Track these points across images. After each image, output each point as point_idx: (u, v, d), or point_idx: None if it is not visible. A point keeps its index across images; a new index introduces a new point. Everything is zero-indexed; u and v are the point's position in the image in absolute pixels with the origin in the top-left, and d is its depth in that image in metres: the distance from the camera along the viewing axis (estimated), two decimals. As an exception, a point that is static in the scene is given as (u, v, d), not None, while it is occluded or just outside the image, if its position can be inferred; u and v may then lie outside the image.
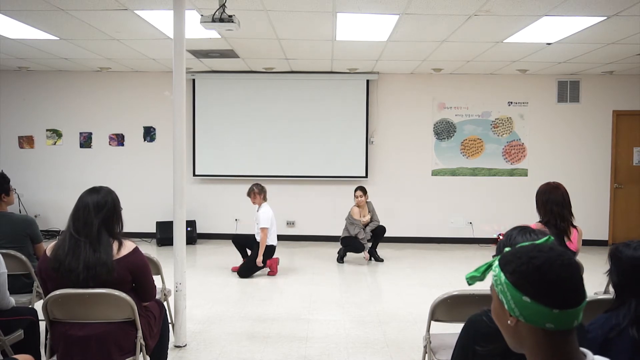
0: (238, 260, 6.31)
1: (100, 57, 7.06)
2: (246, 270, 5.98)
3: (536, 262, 1.08)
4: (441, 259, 7.12)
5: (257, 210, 6.09)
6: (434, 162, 8.20)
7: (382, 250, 7.00)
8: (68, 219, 2.51)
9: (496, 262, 1.17)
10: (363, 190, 6.78)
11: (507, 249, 1.19)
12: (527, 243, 1.19)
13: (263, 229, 5.89)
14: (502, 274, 1.13)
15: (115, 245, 2.49)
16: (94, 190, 2.55)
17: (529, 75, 8.01)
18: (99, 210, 2.48)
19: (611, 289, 3.66)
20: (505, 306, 1.12)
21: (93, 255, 2.42)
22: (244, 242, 6.28)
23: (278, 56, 6.85)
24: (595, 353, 1.70)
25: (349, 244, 6.68)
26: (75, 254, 2.41)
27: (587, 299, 2.33)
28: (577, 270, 1.08)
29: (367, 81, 8.02)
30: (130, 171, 8.28)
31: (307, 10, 4.75)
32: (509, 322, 1.13)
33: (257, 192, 6.09)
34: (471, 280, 1.25)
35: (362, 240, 6.62)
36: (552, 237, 1.21)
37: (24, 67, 7.92)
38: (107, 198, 2.53)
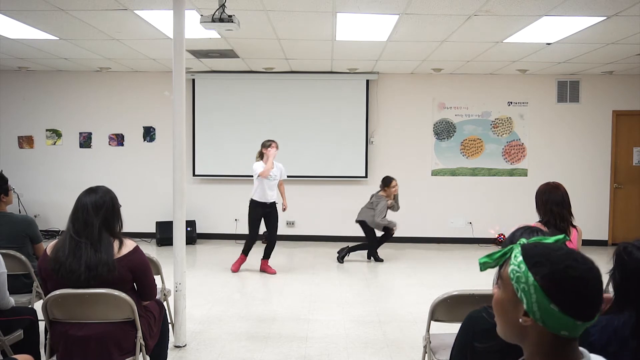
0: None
1: (100, 57, 7.06)
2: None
3: (573, 273, 1.06)
4: (441, 259, 7.12)
5: (273, 166, 6.02)
6: (434, 162, 8.20)
7: (382, 250, 7.00)
8: (67, 220, 2.51)
9: (519, 256, 1.12)
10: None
11: (523, 240, 1.15)
12: (540, 238, 1.16)
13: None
14: (530, 274, 1.08)
15: (116, 244, 2.49)
16: (92, 191, 2.54)
17: (528, 75, 8.01)
18: (98, 210, 2.47)
19: (611, 289, 3.64)
20: (525, 306, 1.09)
21: (94, 255, 2.41)
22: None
23: (278, 56, 6.85)
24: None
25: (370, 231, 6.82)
26: (77, 256, 2.41)
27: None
28: (602, 283, 1.09)
29: (367, 81, 8.02)
30: (130, 171, 8.28)
31: (307, 10, 4.75)
32: (521, 320, 1.10)
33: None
34: (483, 266, 1.20)
35: (390, 225, 6.83)
36: (568, 237, 1.20)
37: (24, 67, 7.91)
38: (105, 197, 2.53)
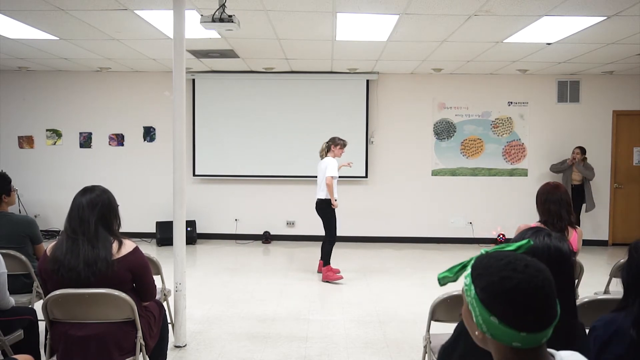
0: (238, 260, 6.30)
1: (100, 57, 7.06)
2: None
3: (507, 284, 1.04)
4: (441, 259, 7.12)
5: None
6: (434, 162, 8.20)
7: (382, 250, 7.00)
8: (64, 221, 2.51)
9: (469, 268, 1.12)
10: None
11: (483, 250, 1.15)
12: (502, 246, 1.15)
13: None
14: (472, 287, 1.09)
15: (115, 244, 2.49)
16: (87, 190, 2.54)
17: (529, 75, 8.01)
18: (93, 208, 2.47)
19: (611, 288, 3.65)
20: (474, 320, 1.09)
21: (92, 251, 2.41)
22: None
23: (278, 56, 6.85)
24: (596, 352, 1.68)
25: None
26: (74, 253, 2.41)
27: (587, 299, 2.30)
28: (550, 292, 1.05)
29: (367, 81, 8.02)
30: (130, 171, 8.28)
31: (307, 10, 4.75)
32: (476, 333, 1.10)
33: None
34: (443, 280, 1.18)
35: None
36: (532, 242, 1.18)
37: (24, 67, 7.91)
38: (102, 196, 2.53)
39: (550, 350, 1.10)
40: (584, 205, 7.56)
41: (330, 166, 5.79)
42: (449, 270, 1.18)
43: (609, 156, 8.12)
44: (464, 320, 1.17)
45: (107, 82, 8.24)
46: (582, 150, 7.54)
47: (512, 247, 1.15)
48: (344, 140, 6.03)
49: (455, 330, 1.78)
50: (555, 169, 7.74)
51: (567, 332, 1.10)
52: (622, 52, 6.25)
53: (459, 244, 8.10)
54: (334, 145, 5.98)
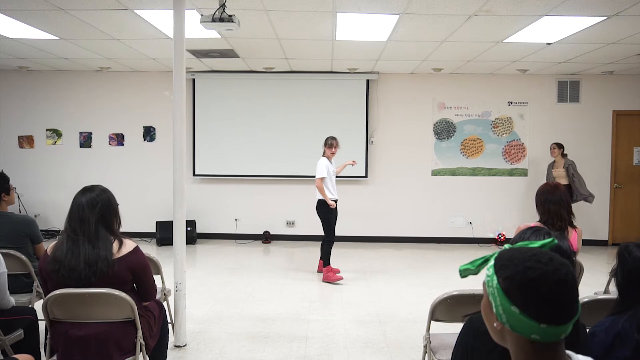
0: (238, 260, 6.30)
1: (100, 57, 7.06)
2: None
3: (531, 274, 1.05)
4: (441, 259, 7.12)
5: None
6: (434, 162, 8.20)
7: (382, 250, 6.99)
8: (65, 221, 2.51)
9: (492, 261, 1.14)
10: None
11: (506, 246, 1.16)
12: (526, 243, 1.18)
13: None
14: (495, 277, 1.10)
15: (116, 244, 2.49)
16: (87, 190, 2.54)
17: (529, 75, 8.01)
18: (93, 207, 2.47)
19: (611, 288, 3.66)
20: (494, 310, 1.10)
21: (92, 251, 2.41)
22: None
23: (278, 56, 6.86)
24: (600, 356, 1.68)
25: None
26: (75, 253, 2.41)
27: (587, 299, 2.30)
28: (573, 286, 1.06)
29: (367, 81, 8.02)
30: (130, 171, 8.28)
31: (307, 10, 4.75)
32: (495, 324, 1.11)
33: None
34: (464, 272, 1.21)
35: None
36: (556, 241, 1.19)
37: (24, 67, 7.92)
38: (102, 196, 2.53)
39: (568, 351, 1.11)
40: (579, 204, 7.49)
41: (317, 168, 5.83)
42: (471, 263, 1.20)
43: (609, 156, 8.12)
44: (482, 313, 1.18)
45: (107, 82, 8.24)
46: (559, 146, 7.43)
47: (536, 244, 1.17)
48: (333, 140, 5.96)
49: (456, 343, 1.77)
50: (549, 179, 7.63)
51: (572, 331, 1.10)
52: (622, 52, 6.26)
53: (458, 244, 8.10)
54: (324, 145, 6.00)
